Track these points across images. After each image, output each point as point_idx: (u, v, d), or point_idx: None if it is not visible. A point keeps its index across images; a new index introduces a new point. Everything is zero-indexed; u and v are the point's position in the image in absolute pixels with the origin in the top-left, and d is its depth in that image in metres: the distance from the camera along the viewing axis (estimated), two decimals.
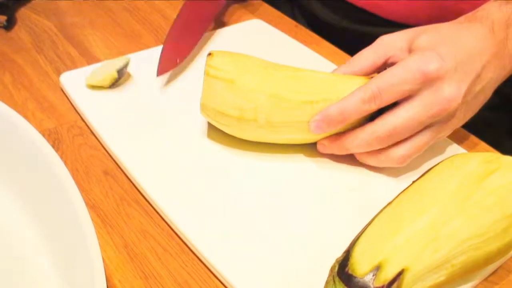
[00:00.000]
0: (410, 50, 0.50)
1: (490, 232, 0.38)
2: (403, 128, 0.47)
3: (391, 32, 0.54)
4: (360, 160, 0.51)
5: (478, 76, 0.48)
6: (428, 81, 0.46)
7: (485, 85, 0.49)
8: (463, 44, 0.48)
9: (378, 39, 0.53)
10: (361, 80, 0.50)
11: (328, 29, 0.76)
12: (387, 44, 0.52)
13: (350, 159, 0.52)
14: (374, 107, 0.47)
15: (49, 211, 0.41)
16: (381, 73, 0.48)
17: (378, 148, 0.49)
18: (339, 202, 0.48)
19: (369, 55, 0.53)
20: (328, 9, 0.79)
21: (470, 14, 0.52)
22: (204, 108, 0.51)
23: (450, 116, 0.48)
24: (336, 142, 0.50)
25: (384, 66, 0.52)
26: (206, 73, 0.50)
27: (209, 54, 0.51)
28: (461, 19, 0.52)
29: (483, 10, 0.51)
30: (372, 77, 0.49)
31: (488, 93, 0.51)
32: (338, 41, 0.71)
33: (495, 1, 0.51)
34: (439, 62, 0.46)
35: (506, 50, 0.50)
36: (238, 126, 0.50)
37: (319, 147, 0.51)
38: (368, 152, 0.50)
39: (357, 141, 0.49)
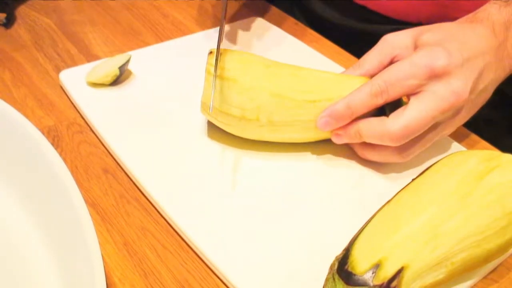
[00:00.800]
0: (415, 47, 0.50)
1: (490, 229, 0.38)
2: (417, 123, 0.46)
3: (392, 30, 0.54)
4: (363, 156, 0.51)
5: (481, 74, 0.48)
6: (435, 76, 0.46)
7: (487, 84, 0.49)
8: (467, 42, 0.48)
9: (382, 38, 0.53)
10: (365, 80, 0.50)
11: (328, 27, 0.76)
12: (391, 43, 0.52)
13: (350, 157, 0.52)
14: (381, 101, 0.47)
15: (49, 209, 0.41)
16: (388, 68, 0.48)
17: (389, 144, 0.48)
18: (339, 200, 0.48)
19: (374, 56, 0.53)
20: (328, 7, 0.79)
21: (470, 15, 0.52)
22: (204, 106, 0.51)
23: (457, 112, 0.48)
24: (352, 126, 0.49)
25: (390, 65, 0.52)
26: (207, 72, 0.50)
27: (210, 52, 0.50)
28: (462, 20, 0.52)
29: (483, 12, 0.51)
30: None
31: (489, 93, 0.51)
32: (338, 39, 0.71)
33: (494, 3, 0.51)
34: (447, 58, 0.46)
35: (506, 51, 0.50)
36: (239, 125, 0.50)
37: (333, 138, 0.50)
38: (372, 148, 0.50)
39: (371, 129, 0.48)
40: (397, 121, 0.46)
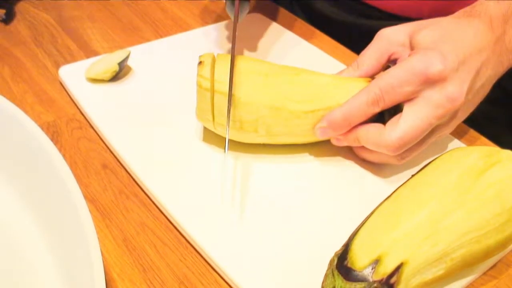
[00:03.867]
0: (411, 46, 0.50)
1: (490, 225, 0.38)
2: (412, 133, 0.46)
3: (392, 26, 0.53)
4: (361, 157, 0.51)
5: (478, 73, 0.48)
6: (430, 82, 0.46)
7: (485, 81, 0.49)
8: (463, 41, 0.48)
9: (377, 34, 0.53)
10: (363, 84, 0.49)
11: (327, 23, 0.76)
12: (388, 40, 0.52)
13: (349, 157, 0.52)
14: (378, 109, 0.47)
15: (48, 205, 0.41)
16: (383, 74, 0.48)
17: (387, 153, 0.48)
18: (339, 197, 0.48)
19: (371, 54, 0.52)
20: (328, 3, 0.78)
21: (467, 8, 0.51)
22: (200, 118, 0.50)
23: (453, 115, 0.48)
24: (351, 133, 0.49)
25: (388, 62, 0.52)
26: (199, 85, 0.48)
27: (200, 62, 0.49)
28: (459, 13, 0.51)
29: (481, 5, 0.50)
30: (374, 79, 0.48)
31: (487, 89, 0.51)
32: (338, 35, 0.71)
33: None
34: (442, 64, 0.45)
35: (504, 46, 0.49)
36: (238, 135, 0.50)
37: (333, 141, 0.50)
38: (370, 151, 0.49)
39: (369, 138, 0.48)
40: (393, 132, 0.46)
